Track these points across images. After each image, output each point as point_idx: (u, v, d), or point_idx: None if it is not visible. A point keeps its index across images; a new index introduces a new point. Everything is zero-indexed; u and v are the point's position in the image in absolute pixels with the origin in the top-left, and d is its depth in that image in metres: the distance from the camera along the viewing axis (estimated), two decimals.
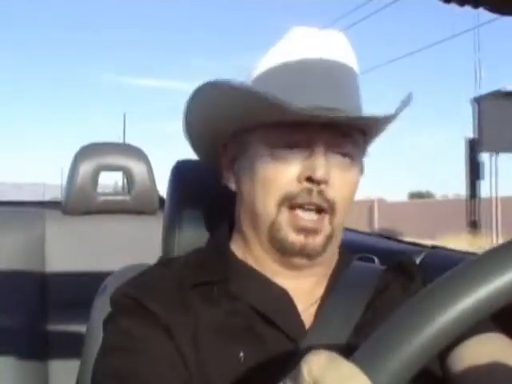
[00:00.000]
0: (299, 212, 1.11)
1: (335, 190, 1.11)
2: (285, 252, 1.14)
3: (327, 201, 1.11)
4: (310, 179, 1.09)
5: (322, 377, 0.64)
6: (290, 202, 1.11)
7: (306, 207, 1.11)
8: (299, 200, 1.10)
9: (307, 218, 1.11)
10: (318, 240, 1.12)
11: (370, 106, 1.19)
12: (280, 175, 1.10)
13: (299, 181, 1.10)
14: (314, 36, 1.16)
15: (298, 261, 1.15)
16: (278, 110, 1.05)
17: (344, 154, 1.13)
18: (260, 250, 1.17)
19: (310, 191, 1.10)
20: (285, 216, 1.11)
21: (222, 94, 1.10)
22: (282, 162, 1.11)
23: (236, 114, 1.12)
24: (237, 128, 1.17)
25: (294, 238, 1.12)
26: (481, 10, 0.75)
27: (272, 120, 1.10)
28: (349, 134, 1.13)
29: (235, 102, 1.09)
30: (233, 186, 1.22)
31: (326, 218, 1.12)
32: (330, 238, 1.14)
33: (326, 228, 1.13)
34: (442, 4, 0.75)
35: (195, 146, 1.27)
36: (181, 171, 1.44)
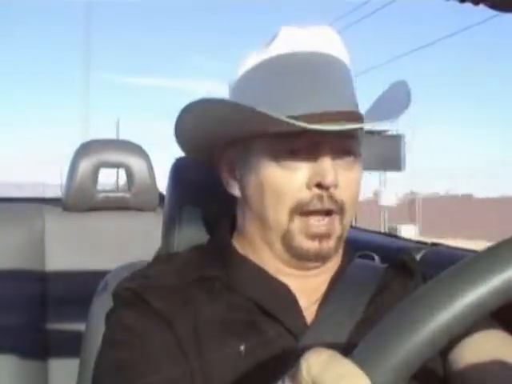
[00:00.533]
0: (311, 219, 1.11)
1: (343, 191, 1.12)
2: (299, 258, 1.14)
3: (336, 203, 1.11)
4: (319, 185, 1.09)
5: (320, 375, 0.64)
6: (302, 210, 1.11)
7: (317, 212, 1.11)
8: (311, 207, 1.10)
9: (319, 223, 1.12)
10: (331, 244, 1.13)
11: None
12: (289, 184, 1.10)
13: (309, 187, 1.10)
14: (302, 35, 1.14)
15: (312, 265, 1.15)
16: (279, 125, 1.05)
17: (348, 153, 1.13)
18: (269, 253, 1.17)
19: (320, 197, 1.10)
20: (297, 224, 1.11)
21: (216, 109, 1.09)
22: (289, 170, 1.10)
23: (233, 127, 1.12)
24: (234, 137, 1.16)
25: (309, 245, 1.12)
26: (481, 6, 0.75)
27: (273, 131, 1.09)
28: (352, 135, 1.13)
29: (231, 117, 1.08)
30: (236, 193, 1.21)
31: (337, 219, 1.13)
32: (340, 238, 1.15)
33: (337, 230, 1.13)
34: (442, 2, 0.75)
35: (189, 153, 1.26)
36: (180, 168, 1.44)
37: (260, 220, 1.16)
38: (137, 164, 3.01)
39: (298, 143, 1.10)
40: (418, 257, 1.65)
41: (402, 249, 1.70)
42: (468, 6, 0.75)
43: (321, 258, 1.14)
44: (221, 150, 1.21)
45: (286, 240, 1.13)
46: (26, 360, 2.62)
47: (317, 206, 1.10)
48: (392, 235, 2.10)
